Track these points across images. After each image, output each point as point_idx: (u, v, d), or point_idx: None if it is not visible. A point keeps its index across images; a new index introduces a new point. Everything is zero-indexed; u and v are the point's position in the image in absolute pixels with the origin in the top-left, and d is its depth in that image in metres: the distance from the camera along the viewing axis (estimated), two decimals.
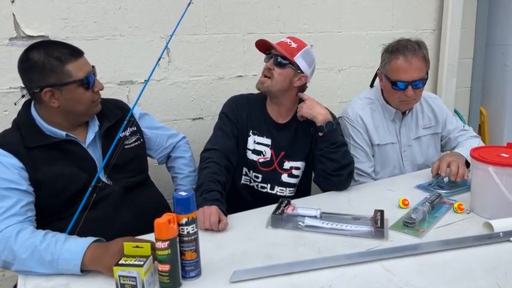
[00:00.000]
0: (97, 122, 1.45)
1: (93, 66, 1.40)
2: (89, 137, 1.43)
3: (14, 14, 1.73)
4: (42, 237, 1.15)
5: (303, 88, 1.74)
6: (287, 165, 1.75)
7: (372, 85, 2.01)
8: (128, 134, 1.53)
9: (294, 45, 1.65)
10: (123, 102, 1.62)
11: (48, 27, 1.79)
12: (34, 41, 1.76)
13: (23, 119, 1.37)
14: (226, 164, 1.63)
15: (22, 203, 1.23)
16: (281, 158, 1.74)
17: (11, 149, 1.28)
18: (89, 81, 1.35)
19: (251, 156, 1.75)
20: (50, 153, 1.34)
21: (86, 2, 1.84)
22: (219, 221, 1.33)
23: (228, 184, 1.62)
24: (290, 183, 1.76)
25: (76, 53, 1.34)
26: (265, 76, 1.67)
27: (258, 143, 1.74)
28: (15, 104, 1.41)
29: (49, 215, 1.33)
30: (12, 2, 1.72)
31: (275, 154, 1.74)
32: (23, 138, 1.32)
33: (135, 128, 1.58)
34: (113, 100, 1.60)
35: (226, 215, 1.39)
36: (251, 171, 1.77)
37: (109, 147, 1.38)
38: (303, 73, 1.66)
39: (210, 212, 1.34)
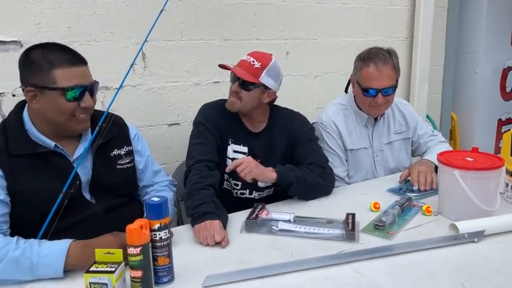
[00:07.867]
0: (90, 137, 1.35)
1: (95, 82, 1.32)
2: (77, 151, 1.34)
3: None
4: (15, 244, 1.10)
5: (273, 100, 1.74)
6: None
7: (346, 91, 2.05)
8: (122, 153, 1.44)
9: (257, 64, 1.59)
10: (121, 119, 1.52)
11: (21, 32, 1.77)
12: (6, 46, 1.75)
13: (12, 122, 1.30)
14: (210, 165, 1.59)
15: None
16: None
17: None
18: (72, 93, 1.25)
19: None
20: (34, 164, 1.26)
21: (59, 7, 1.83)
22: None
23: (218, 180, 1.59)
24: (267, 187, 1.78)
25: (73, 61, 1.26)
26: (234, 97, 1.65)
27: (236, 151, 1.74)
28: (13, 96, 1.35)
29: (24, 230, 1.21)
30: None
31: None
32: (7, 144, 1.24)
33: (131, 148, 1.48)
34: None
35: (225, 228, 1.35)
36: (231, 179, 1.77)
37: (101, 165, 1.33)
38: (271, 89, 1.66)
39: (214, 229, 1.29)
